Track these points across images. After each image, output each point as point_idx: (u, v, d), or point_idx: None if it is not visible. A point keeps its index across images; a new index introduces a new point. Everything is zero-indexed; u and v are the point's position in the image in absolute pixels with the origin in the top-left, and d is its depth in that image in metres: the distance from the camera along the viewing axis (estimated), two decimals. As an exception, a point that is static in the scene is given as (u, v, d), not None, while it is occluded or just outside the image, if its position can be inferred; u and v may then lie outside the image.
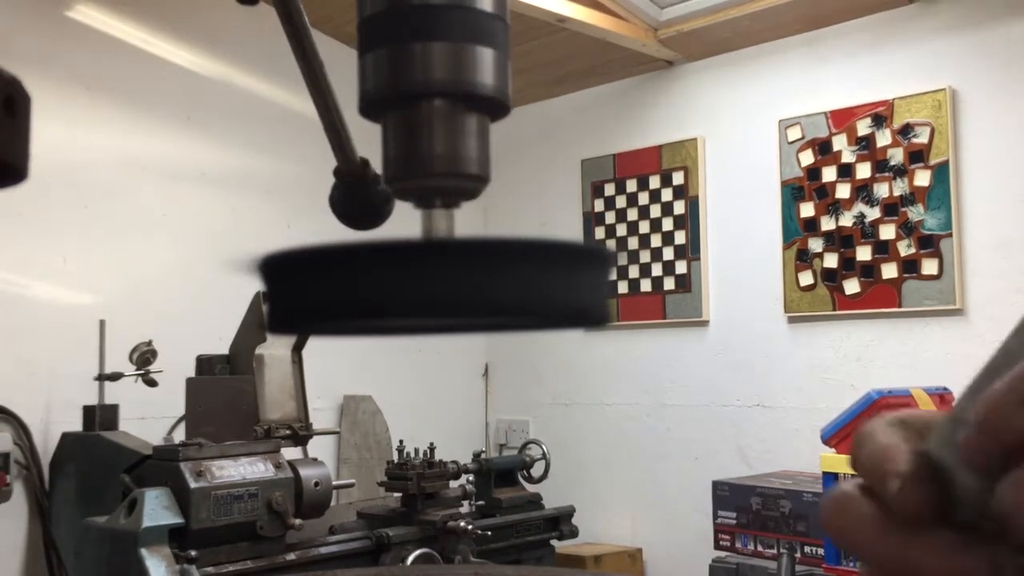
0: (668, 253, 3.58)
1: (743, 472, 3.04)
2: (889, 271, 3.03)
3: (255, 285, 0.34)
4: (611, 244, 3.72)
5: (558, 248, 0.33)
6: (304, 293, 0.34)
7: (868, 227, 3.08)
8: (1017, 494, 0.26)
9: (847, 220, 3.13)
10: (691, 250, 3.52)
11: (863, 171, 3.10)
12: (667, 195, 3.60)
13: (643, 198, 3.66)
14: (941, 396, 2.68)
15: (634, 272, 3.66)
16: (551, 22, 3.17)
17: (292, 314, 0.35)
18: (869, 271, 3.07)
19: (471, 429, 4.07)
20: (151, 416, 2.74)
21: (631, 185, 3.70)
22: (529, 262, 0.33)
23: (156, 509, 1.86)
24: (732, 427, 3.38)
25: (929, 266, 2.95)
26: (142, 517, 1.84)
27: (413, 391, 3.74)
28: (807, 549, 2.40)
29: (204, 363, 2.46)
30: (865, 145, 3.10)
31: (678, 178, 3.57)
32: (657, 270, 3.61)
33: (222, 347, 2.49)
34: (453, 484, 2.39)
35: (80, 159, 2.89)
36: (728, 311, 3.42)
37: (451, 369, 3.99)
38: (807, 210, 3.22)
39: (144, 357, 2.59)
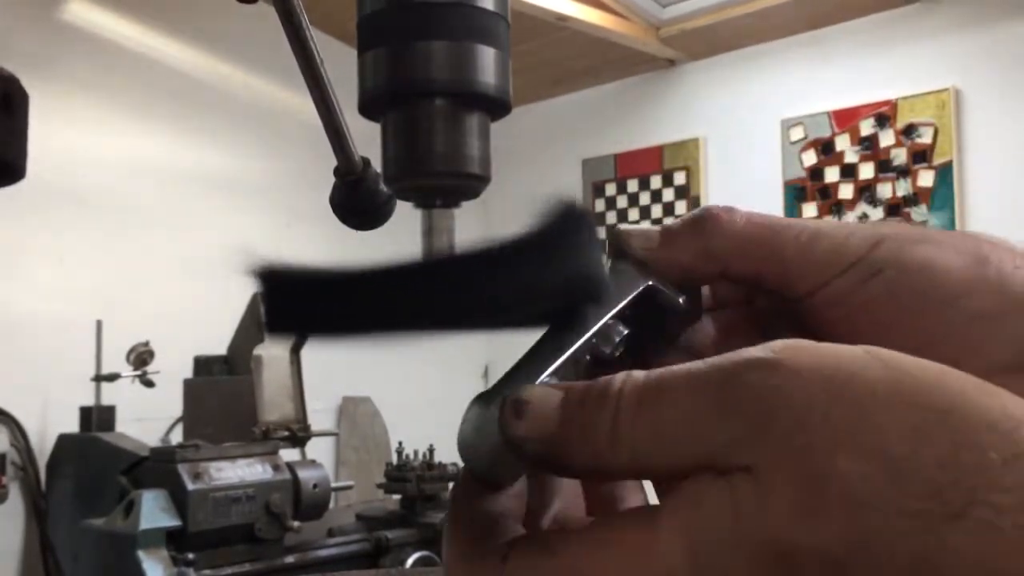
0: (669, 253, 3.57)
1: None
2: (892, 272, 3.02)
3: (253, 286, 0.34)
4: (612, 244, 3.71)
5: (532, 238, 0.32)
6: (303, 302, 0.33)
7: (871, 228, 3.07)
8: None
9: (850, 221, 3.12)
10: (692, 251, 3.51)
11: (866, 171, 3.09)
12: (669, 195, 3.58)
13: (644, 198, 3.65)
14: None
15: (635, 273, 3.65)
16: (552, 21, 3.15)
17: (290, 319, 0.34)
18: (872, 272, 3.06)
19: (471, 430, 4.05)
20: (148, 417, 2.72)
21: (632, 185, 3.69)
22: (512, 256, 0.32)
23: (153, 511, 1.85)
24: (733, 429, 3.36)
25: (932, 267, 2.94)
26: (139, 519, 1.83)
27: (412, 392, 3.72)
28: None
29: (202, 364, 2.45)
30: (868, 145, 3.08)
31: (680, 178, 3.55)
32: (658, 271, 3.59)
33: (220, 348, 2.47)
34: (452, 486, 2.37)
35: (78, 159, 2.88)
36: (729, 312, 3.41)
37: (451, 370, 3.97)
38: (810, 210, 3.21)
39: (141, 358, 2.58)
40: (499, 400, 0.29)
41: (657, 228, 0.35)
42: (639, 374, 0.27)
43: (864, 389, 0.24)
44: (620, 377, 0.27)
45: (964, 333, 0.31)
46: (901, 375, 0.24)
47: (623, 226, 0.35)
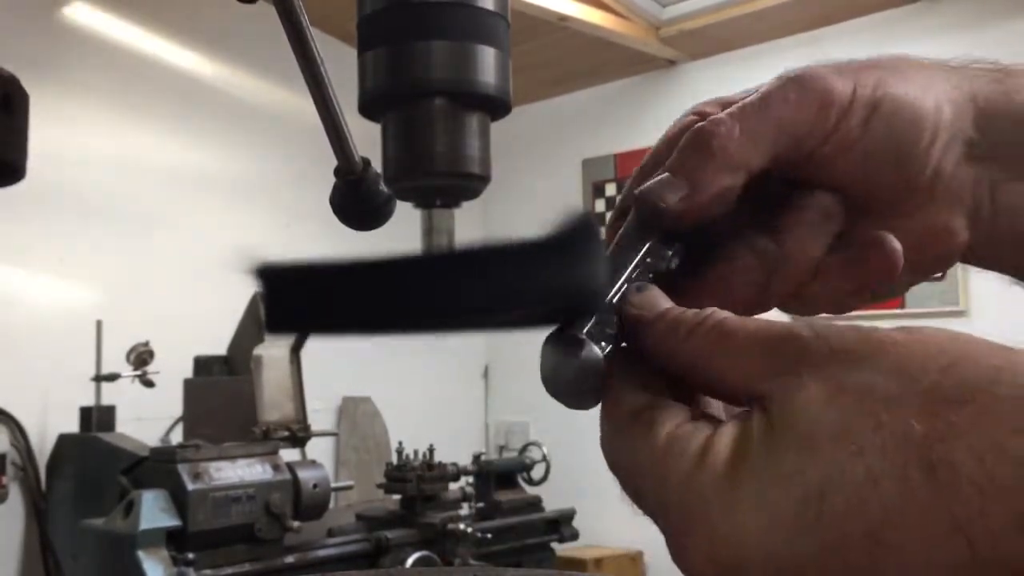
0: (669, 253, 3.57)
1: (744, 474, 3.02)
2: (892, 272, 3.02)
3: (253, 285, 0.34)
4: (612, 244, 3.71)
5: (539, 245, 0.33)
6: (303, 300, 0.33)
7: (871, 228, 3.07)
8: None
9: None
10: (692, 251, 3.51)
11: (866, 171, 3.09)
12: (668, 195, 3.58)
13: (644, 198, 3.65)
14: (944, 398, 2.67)
15: (635, 273, 3.65)
16: (552, 21, 3.15)
17: (290, 317, 0.35)
18: (871, 272, 3.07)
19: (471, 431, 4.05)
20: (148, 417, 2.72)
21: (632, 185, 3.69)
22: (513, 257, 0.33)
23: (153, 511, 1.85)
24: (733, 429, 3.36)
25: (932, 267, 2.95)
26: (139, 519, 1.83)
27: (412, 392, 3.72)
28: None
29: (202, 364, 2.45)
30: (868, 145, 3.09)
31: (679, 178, 3.56)
32: (658, 271, 3.60)
33: (220, 348, 2.47)
34: (453, 486, 2.37)
35: (77, 159, 2.88)
36: (729, 312, 3.41)
37: (451, 370, 3.97)
38: (809, 211, 3.21)
39: (141, 358, 2.58)
40: (573, 344, 0.37)
41: (675, 180, 0.38)
42: (723, 314, 0.34)
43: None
44: (711, 310, 0.34)
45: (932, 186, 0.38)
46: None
47: (649, 187, 0.38)
